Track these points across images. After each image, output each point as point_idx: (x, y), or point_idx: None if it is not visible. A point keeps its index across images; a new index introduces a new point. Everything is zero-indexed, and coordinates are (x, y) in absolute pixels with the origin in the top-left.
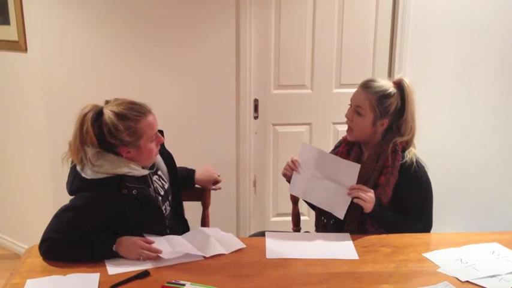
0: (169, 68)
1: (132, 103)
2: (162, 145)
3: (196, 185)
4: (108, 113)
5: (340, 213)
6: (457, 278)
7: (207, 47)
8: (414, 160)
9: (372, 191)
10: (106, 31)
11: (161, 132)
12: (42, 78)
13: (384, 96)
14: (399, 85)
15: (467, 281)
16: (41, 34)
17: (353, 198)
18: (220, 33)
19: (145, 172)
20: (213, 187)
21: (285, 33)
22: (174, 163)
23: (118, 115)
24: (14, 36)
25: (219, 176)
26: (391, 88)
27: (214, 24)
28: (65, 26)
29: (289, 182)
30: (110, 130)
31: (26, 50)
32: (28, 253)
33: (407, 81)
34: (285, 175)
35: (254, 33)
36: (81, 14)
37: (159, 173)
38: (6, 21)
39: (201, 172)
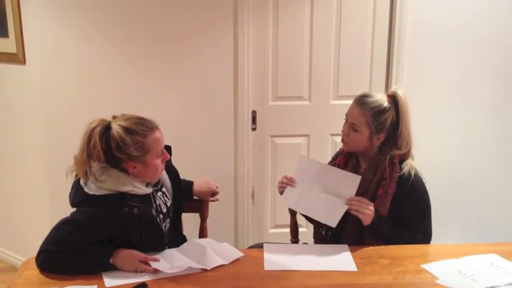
0: (167, 80)
1: (140, 118)
2: (169, 160)
3: (195, 197)
4: (116, 127)
5: (333, 222)
6: None
7: (205, 58)
8: (412, 173)
9: (372, 204)
10: (104, 43)
11: (169, 147)
12: (41, 91)
13: (379, 111)
14: (393, 98)
15: None
16: (39, 46)
17: (352, 210)
18: (218, 44)
19: (149, 191)
20: (211, 199)
21: (283, 45)
22: (179, 180)
23: (126, 129)
24: (12, 49)
25: (217, 187)
26: (385, 102)
27: (212, 36)
28: (64, 38)
29: None
30: (117, 144)
31: (24, 62)
32: (25, 265)
33: (401, 94)
34: (282, 193)
35: (252, 45)
36: (79, 26)
37: (163, 189)
38: (4, 33)
39: (199, 184)
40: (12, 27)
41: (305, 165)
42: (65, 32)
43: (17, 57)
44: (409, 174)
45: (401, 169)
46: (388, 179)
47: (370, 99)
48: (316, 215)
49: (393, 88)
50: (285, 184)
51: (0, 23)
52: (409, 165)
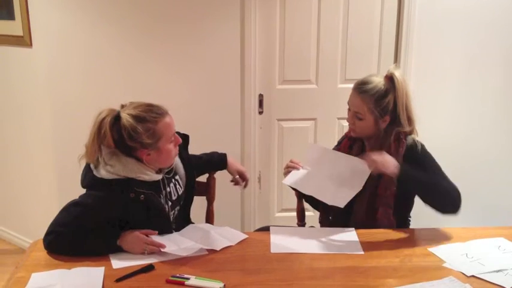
0: (174, 64)
1: (149, 105)
2: (186, 149)
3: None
4: (126, 117)
5: (341, 202)
6: (462, 273)
7: (212, 42)
8: (417, 141)
9: (385, 153)
10: (110, 26)
11: (187, 136)
12: (47, 73)
13: (380, 97)
14: (392, 79)
15: (473, 276)
16: (45, 29)
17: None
18: (225, 28)
19: (157, 178)
20: (237, 177)
21: (290, 28)
22: (193, 169)
23: (136, 118)
24: (18, 31)
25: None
26: (384, 85)
27: (219, 19)
28: (70, 21)
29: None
30: (129, 133)
31: (30, 45)
32: (33, 247)
33: (397, 74)
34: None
35: (259, 28)
36: (85, 8)
37: (177, 177)
38: (11, 16)
39: (233, 160)
40: (18, 10)
41: (314, 152)
42: (72, 14)
43: (24, 40)
44: (415, 143)
45: (408, 142)
46: (394, 154)
47: (369, 86)
48: (322, 197)
49: (390, 69)
50: (291, 168)
51: (7, 6)
52: (414, 138)
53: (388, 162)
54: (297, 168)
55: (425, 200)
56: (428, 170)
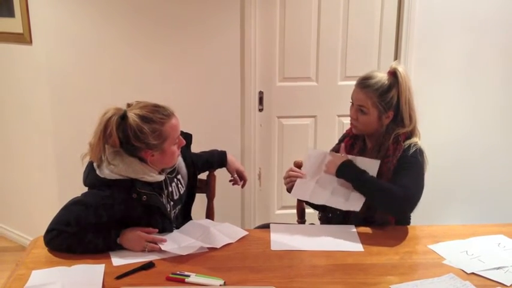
0: (174, 61)
1: (156, 106)
2: (188, 148)
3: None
4: (132, 116)
5: (357, 205)
6: (462, 270)
7: (212, 39)
8: (412, 147)
9: (336, 155)
10: (110, 23)
11: (190, 135)
12: (47, 70)
13: (383, 91)
14: (395, 75)
15: (473, 273)
16: (45, 26)
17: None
18: (225, 25)
19: (160, 178)
20: (235, 176)
21: (290, 25)
22: (196, 169)
23: (143, 118)
24: (18, 29)
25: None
26: (388, 80)
27: (219, 17)
28: (70, 18)
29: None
30: (135, 133)
31: (30, 42)
32: (33, 244)
33: (401, 70)
34: (290, 188)
35: (259, 25)
36: (85, 6)
37: (179, 176)
38: (11, 13)
39: (233, 158)
40: (18, 7)
41: (315, 157)
42: (71, 11)
43: (23, 37)
44: (409, 148)
45: (404, 147)
46: (391, 156)
47: (372, 81)
48: (335, 204)
49: (393, 64)
50: (294, 177)
51: (7, 3)
52: (412, 143)
53: (330, 163)
54: (301, 177)
55: (368, 199)
56: (399, 171)
